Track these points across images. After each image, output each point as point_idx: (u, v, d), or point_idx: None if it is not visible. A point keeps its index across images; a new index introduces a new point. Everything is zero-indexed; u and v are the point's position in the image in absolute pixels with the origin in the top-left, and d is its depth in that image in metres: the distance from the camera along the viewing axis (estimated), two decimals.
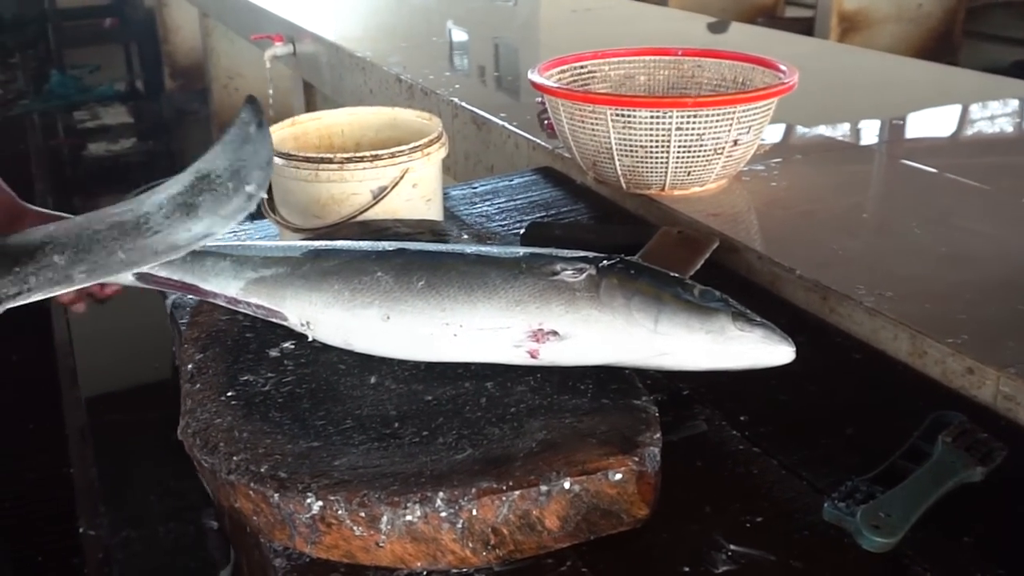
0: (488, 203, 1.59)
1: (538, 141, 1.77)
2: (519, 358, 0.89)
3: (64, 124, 6.11)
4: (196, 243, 0.95)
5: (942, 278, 1.19)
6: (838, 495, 0.82)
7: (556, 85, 1.46)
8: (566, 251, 0.95)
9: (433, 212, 1.38)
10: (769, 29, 3.20)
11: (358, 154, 1.29)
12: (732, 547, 0.78)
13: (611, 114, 1.39)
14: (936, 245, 1.29)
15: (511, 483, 0.74)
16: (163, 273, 0.97)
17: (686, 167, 1.42)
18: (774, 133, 1.82)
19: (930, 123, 1.97)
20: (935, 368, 1.04)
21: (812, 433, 0.95)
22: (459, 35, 3.06)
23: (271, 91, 3.14)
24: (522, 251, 0.96)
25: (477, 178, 1.93)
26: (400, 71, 2.38)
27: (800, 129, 1.85)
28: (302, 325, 0.96)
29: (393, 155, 1.30)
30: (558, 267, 0.91)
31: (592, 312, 0.87)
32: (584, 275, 0.90)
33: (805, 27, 5.22)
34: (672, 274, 0.93)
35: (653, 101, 1.40)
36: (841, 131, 1.86)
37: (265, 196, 1.40)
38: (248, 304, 0.98)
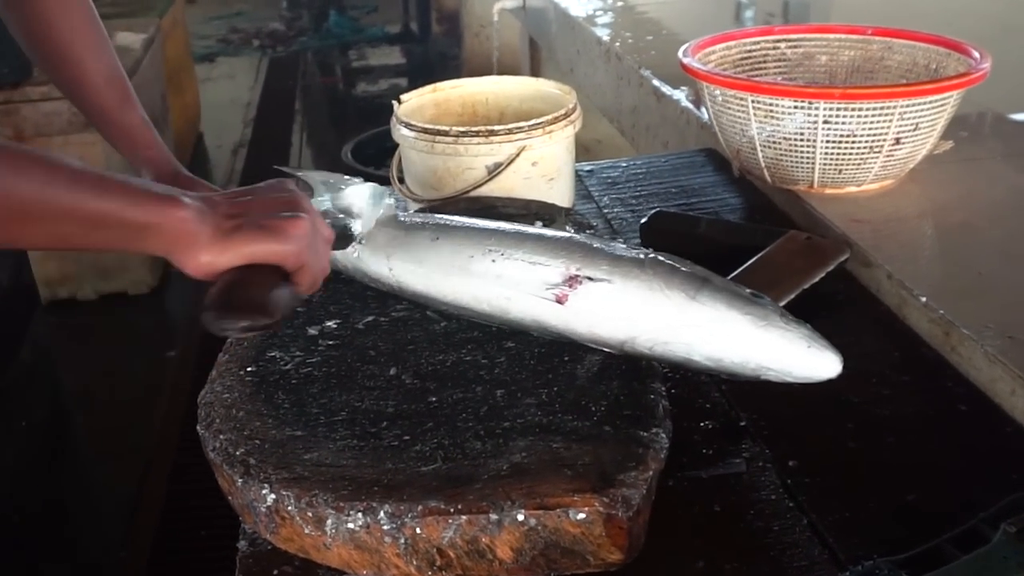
0: (631, 186, 1.51)
1: (707, 119, 1.66)
2: (547, 302, 0.85)
3: (334, 63, 6.47)
4: None
5: None
6: (852, 574, 0.71)
7: (701, 66, 1.35)
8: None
9: (557, 192, 1.32)
10: None
11: (473, 128, 1.26)
12: None
13: (752, 101, 1.27)
14: None
15: (460, 506, 0.70)
16: None
17: (836, 165, 1.28)
18: (993, 123, 1.61)
19: None
20: None
21: (865, 493, 0.83)
22: None
23: (496, 45, 3.15)
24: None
25: (655, 152, 1.85)
26: (603, 34, 2.31)
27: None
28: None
29: (510, 131, 1.26)
30: (618, 244, 0.89)
31: (633, 269, 0.83)
32: (638, 250, 0.86)
33: None
34: (726, 279, 0.85)
35: (796, 90, 1.26)
36: None
37: (394, 166, 1.42)
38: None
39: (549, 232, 0.92)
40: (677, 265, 0.84)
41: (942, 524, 0.76)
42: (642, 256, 0.85)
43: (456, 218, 0.99)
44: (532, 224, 1.13)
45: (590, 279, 0.83)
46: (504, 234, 0.91)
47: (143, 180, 0.74)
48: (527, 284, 0.86)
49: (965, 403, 0.95)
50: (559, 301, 0.84)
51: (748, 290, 0.83)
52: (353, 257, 0.98)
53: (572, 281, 0.83)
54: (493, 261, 0.88)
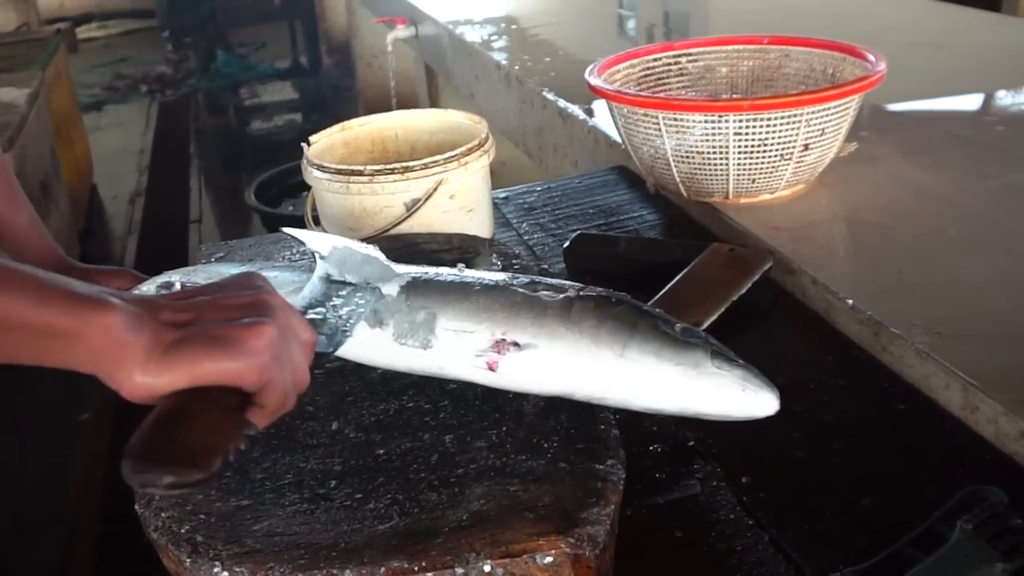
0: (548, 210, 1.50)
1: (615, 138, 1.67)
2: (479, 370, 0.82)
3: (226, 103, 6.37)
4: None
5: (1021, 313, 1.03)
6: None
7: (609, 87, 1.36)
8: (556, 280, 0.88)
9: (477, 223, 1.31)
10: None
11: (388, 166, 1.24)
12: None
13: (664, 119, 1.28)
14: None
15: (424, 563, 0.68)
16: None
17: (749, 174, 1.30)
18: (886, 121, 1.66)
19: None
20: (988, 428, 0.90)
21: (820, 502, 0.83)
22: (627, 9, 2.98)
23: (392, 75, 3.13)
24: (508, 274, 0.89)
25: (562, 174, 1.86)
26: (501, 58, 2.32)
27: (915, 117, 1.68)
28: None
29: (425, 166, 1.24)
30: (540, 287, 0.84)
31: (559, 329, 0.80)
32: (561, 296, 0.82)
33: None
34: (656, 310, 0.83)
35: (706, 105, 1.28)
36: (961, 121, 1.67)
37: (308, 209, 1.39)
38: None
39: (470, 279, 0.87)
40: (604, 311, 0.80)
41: (899, 526, 0.77)
42: (568, 301, 0.81)
43: None
44: (457, 260, 1.12)
45: (516, 345, 0.80)
46: (426, 296, 0.85)
47: (63, 277, 0.59)
48: (456, 354, 0.82)
49: (902, 402, 0.96)
50: (490, 368, 0.81)
51: (679, 325, 0.80)
52: None
53: (499, 346, 0.80)
54: None
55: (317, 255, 0.88)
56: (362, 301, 0.85)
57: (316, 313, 0.79)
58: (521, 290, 0.84)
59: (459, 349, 0.82)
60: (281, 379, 0.63)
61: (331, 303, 0.82)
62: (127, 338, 0.58)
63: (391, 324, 0.86)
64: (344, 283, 0.86)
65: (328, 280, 0.86)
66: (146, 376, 0.59)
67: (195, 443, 0.58)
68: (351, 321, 0.81)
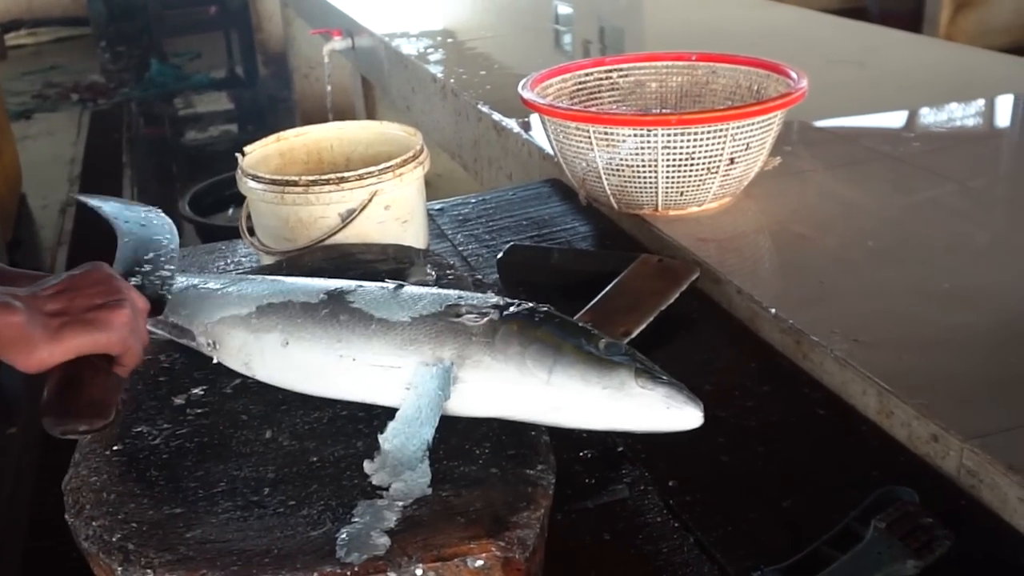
0: (483, 221, 1.52)
1: (548, 151, 1.70)
2: None
3: (160, 113, 6.28)
4: None
5: (933, 321, 1.08)
6: None
7: (542, 101, 1.39)
8: (479, 295, 0.90)
9: (412, 234, 1.33)
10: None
11: (323, 176, 1.25)
12: None
13: (595, 132, 1.31)
14: (939, 279, 1.17)
15: (357, 568, 0.69)
16: None
17: (678, 187, 1.33)
18: (810, 136, 1.72)
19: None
20: (901, 431, 0.94)
21: (743, 504, 0.86)
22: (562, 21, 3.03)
23: (329, 87, 3.13)
24: (433, 291, 0.91)
25: (497, 186, 1.88)
26: (437, 71, 2.34)
27: (838, 133, 1.73)
28: (208, 345, 0.95)
29: (360, 177, 1.25)
30: (463, 309, 0.86)
31: (484, 359, 0.82)
32: (485, 319, 0.84)
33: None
34: (581, 324, 0.85)
35: (636, 119, 1.31)
36: (883, 137, 1.73)
37: (243, 219, 1.39)
38: (165, 324, 0.98)
39: (392, 309, 0.88)
40: (528, 334, 0.82)
41: (818, 526, 0.80)
42: (492, 326, 0.83)
43: (295, 292, 0.95)
44: (392, 270, 1.13)
45: None
46: (350, 330, 0.87)
47: None
48: (386, 389, 0.84)
49: (822, 407, 1.00)
50: None
51: (604, 341, 0.82)
52: (208, 348, 0.96)
53: None
54: (348, 369, 0.86)
55: (118, 230, 1.02)
56: (171, 265, 0.98)
57: (133, 279, 0.93)
58: (445, 317, 0.85)
59: (386, 384, 0.84)
60: (134, 345, 0.80)
61: (141, 269, 0.96)
62: (28, 330, 0.74)
63: (313, 353, 0.88)
64: (148, 250, 0.99)
65: (133, 250, 1.00)
66: (43, 354, 0.75)
67: (95, 400, 0.75)
68: (166, 284, 0.95)
